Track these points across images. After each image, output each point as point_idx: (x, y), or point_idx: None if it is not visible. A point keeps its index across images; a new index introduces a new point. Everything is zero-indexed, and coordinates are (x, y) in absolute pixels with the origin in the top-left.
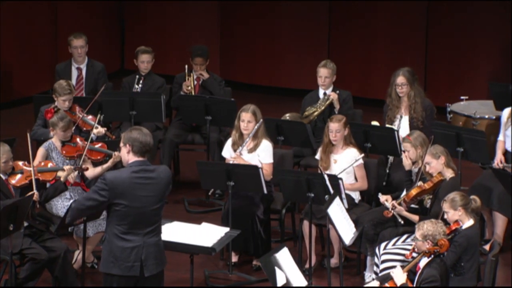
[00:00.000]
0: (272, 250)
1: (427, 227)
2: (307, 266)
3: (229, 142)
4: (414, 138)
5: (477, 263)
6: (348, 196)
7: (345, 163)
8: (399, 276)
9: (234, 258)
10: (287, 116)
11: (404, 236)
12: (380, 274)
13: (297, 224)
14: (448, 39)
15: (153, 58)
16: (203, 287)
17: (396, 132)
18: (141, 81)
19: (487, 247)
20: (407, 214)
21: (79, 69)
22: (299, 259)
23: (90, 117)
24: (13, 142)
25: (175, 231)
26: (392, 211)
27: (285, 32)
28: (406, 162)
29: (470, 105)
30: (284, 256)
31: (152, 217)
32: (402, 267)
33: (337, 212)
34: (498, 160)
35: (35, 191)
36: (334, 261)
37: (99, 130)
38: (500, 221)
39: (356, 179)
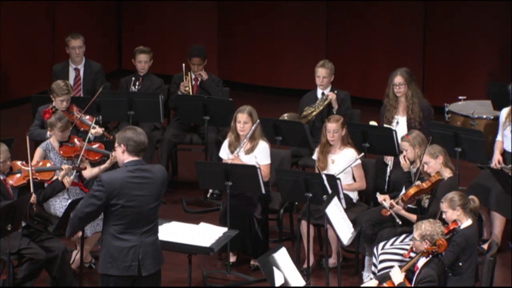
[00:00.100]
0: (270, 250)
1: (425, 227)
2: (305, 266)
3: (225, 143)
4: (413, 138)
5: (475, 263)
6: (346, 196)
7: (342, 163)
8: (397, 275)
9: (232, 258)
10: (285, 116)
11: (402, 236)
12: (378, 274)
13: (295, 224)
14: (446, 39)
15: (151, 58)
16: (201, 287)
17: (394, 132)
18: (137, 83)
19: (485, 246)
20: (405, 213)
21: (76, 70)
22: (297, 259)
23: (87, 117)
24: (11, 142)
25: (173, 231)
26: (390, 210)
27: (284, 32)
28: (405, 165)
29: (468, 105)
30: (282, 256)
31: (149, 216)
32: (400, 267)
33: (335, 212)
34: (496, 161)
35: (32, 193)
36: (332, 261)
37: (97, 130)
38: (498, 221)
39: (354, 179)
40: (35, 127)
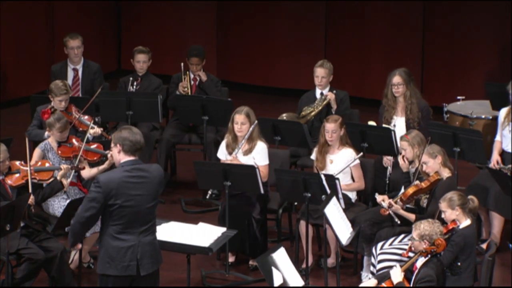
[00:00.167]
0: (269, 250)
1: (424, 227)
2: (304, 266)
3: (223, 144)
4: (412, 137)
5: (474, 263)
6: (344, 196)
7: (341, 163)
8: (396, 275)
9: (231, 258)
10: (284, 116)
11: (401, 236)
12: (377, 274)
13: (294, 224)
14: (444, 39)
15: (149, 58)
16: (200, 287)
17: (392, 132)
18: (135, 83)
19: (484, 246)
20: (403, 212)
21: (75, 70)
22: (296, 259)
23: (86, 117)
24: (9, 142)
25: (172, 231)
26: (389, 209)
27: (283, 32)
28: (404, 165)
29: (466, 105)
30: (281, 256)
31: (146, 215)
32: (400, 266)
33: (334, 212)
34: (495, 161)
35: (31, 194)
36: (331, 261)
37: (95, 130)
38: (496, 221)
39: (352, 179)
40: (33, 127)
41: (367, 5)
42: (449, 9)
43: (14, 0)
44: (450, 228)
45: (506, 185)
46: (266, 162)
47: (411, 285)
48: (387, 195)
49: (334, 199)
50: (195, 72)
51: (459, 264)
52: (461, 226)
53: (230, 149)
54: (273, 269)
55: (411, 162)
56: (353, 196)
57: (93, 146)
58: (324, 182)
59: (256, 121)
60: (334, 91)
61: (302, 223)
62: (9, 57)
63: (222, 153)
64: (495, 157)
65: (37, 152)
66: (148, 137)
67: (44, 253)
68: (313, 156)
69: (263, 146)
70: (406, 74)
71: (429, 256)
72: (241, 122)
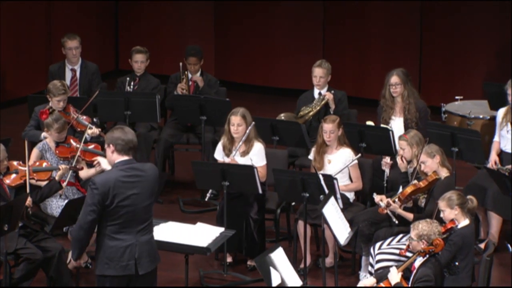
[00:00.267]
0: (267, 250)
1: (422, 226)
2: (302, 266)
3: (220, 146)
4: (410, 137)
5: (472, 263)
6: (343, 196)
7: (339, 163)
8: (394, 275)
9: (229, 258)
10: (282, 116)
11: (399, 236)
12: (376, 273)
13: (292, 224)
14: (442, 39)
15: (147, 58)
16: (198, 287)
17: (391, 132)
18: (132, 83)
19: (482, 246)
20: (401, 211)
21: (73, 71)
22: (294, 259)
23: (84, 117)
24: (8, 142)
25: (170, 231)
26: (387, 208)
27: (281, 32)
28: (402, 165)
29: (464, 105)
30: (279, 256)
31: (143, 214)
32: (397, 267)
33: (332, 212)
34: (493, 161)
35: (28, 194)
36: (329, 260)
37: (93, 130)
38: (494, 221)
39: (350, 179)
40: (30, 127)
41: (366, 5)
42: (447, 9)
43: (13, 0)
44: (448, 228)
45: (504, 185)
46: (264, 162)
47: (409, 285)
48: (385, 195)
49: (332, 199)
50: (193, 73)
51: (457, 263)
52: (460, 226)
53: (227, 151)
54: (271, 269)
55: (409, 162)
56: (351, 196)
57: (91, 147)
58: (322, 182)
59: (253, 123)
60: (332, 91)
61: (300, 223)
62: (8, 57)
63: (219, 154)
64: (493, 157)
65: (35, 152)
66: (146, 137)
67: (42, 253)
68: (311, 156)
69: (260, 146)
70: (404, 74)
71: (427, 256)
72: (237, 123)
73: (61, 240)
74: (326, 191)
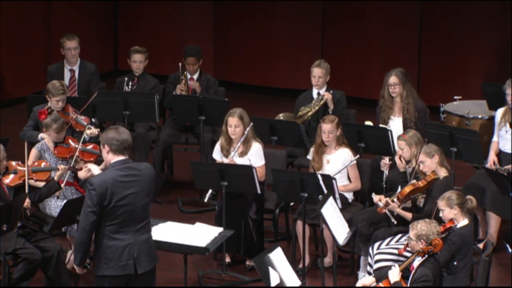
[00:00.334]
0: (265, 250)
1: (421, 226)
2: (300, 266)
3: (217, 146)
4: (409, 137)
5: (470, 263)
6: (341, 196)
7: (337, 163)
8: (394, 274)
9: (228, 258)
10: (281, 116)
11: (398, 236)
12: (375, 272)
13: (290, 224)
14: (441, 39)
15: (146, 58)
16: (197, 287)
17: (389, 132)
18: (130, 83)
19: (480, 246)
20: (400, 211)
21: (71, 71)
22: (293, 259)
23: (83, 117)
24: (6, 142)
25: (168, 231)
26: (385, 208)
27: (279, 32)
28: (401, 165)
29: (463, 105)
30: (277, 256)
31: (141, 213)
32: (398, 266)
33: (331, 212)
34: (491, 162)
35: (27, 194)
36: (327, 260)
37: (92, 131)
38: (493, 221)
39: (349, 179)
40: (28, 127)
41: (365, 5)
42: (446, 9)
43: (13, 1)
44: (447, 227)
45: (503, 185)
46: (262, 162)
47: (408, 285)
48: (384, 195)
49: (331, 199)
50: (192, 74)
51: (455, 263)
52: (459, 226)
53: (225, 152)
54: (270, 269)
55: (408, 162)
56: (349, 196)
57: (90, 147)
58: (321, 182)
59: (251, 123)
60: (331, 91)
61: (299, 223)
62: (7, 57)
63: (217, 154)
64: (492, 157)
65: (33, 152)
66: (145, 137)
67: (41, 253)
68: (309, 156)
69: (258, 146)
70: (403, 74)
71: (426, 256)
72: (234, 125)
73: (60, 240)
74: (325, 191)
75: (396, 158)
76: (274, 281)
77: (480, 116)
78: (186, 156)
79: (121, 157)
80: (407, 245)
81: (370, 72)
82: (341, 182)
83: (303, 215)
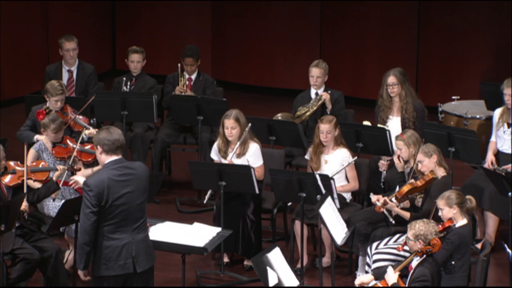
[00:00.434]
0: (263, 250)
1: (419, 226)
2: (298, 266)
3: (215, 147)
4: (407, 137)
5: (468, 263)
6: (339, 196)
7: (336, 163)
8: (391, 276)
9: (226, 258)
10: (279, 116)
11: (396, 236)
12: (374, 270)
13: (288, 224)
14: (439, 39)
15: (144, 58)
16: (195, 287)
17: (387, 132)
18: (129, 83)
19: (478, 246)
20: (398, 210)
21: (70, 71)
22: (291, 259)
23: (81, 118)
24: (4, 142)
25: (167, 231)
26: (384, 207)
27: (277, 32)
28: (399, 164)
29: (461, 105)
30: (276, 256)
31: (137, 212)
32: (394, 267)
33: (329, 212)
34: (489, 162)
35: (25, 194)
36: (326, 260)
37: (91, 131)
38: (491, 221)
39: (347, 179)
40: (25, 127)
41: (362, 5)
42: (444, 9)
43: (10, 0)
44: (446, 226)
45: (501, 185)
46: (261, 162)
47: (406, 285)
48: (382, 195)
49: (329, 199)
50: (190, 74)
51: (453, 263)
52: (457, 225)
53: (222, 153)
54: (268, 269)
55: (406, 162)
56: (348, 196)
57: (88, 147)
58: (319, 182)
59: (249, 125)
60: (329, 91)
61: (297, 223)
62: (5, 57)
63: (215, 154)
64: (490, 157)
65: (31, 153)
66: (143, 137)
67: (39, 253)
68: (307, 156)
69: (256, 147)
70: (401, 74)
71: (424, 256)
72: (231, 127)
73: (58, 240)
74: (323, 191)
75: (395, 158)
76: (272, 281)
77: (478, 116)
78: (184, 156)
79: (114, 157)
80: (405, 243)
81: (368, 72)
82: (339, 182)
83: (301, 215)
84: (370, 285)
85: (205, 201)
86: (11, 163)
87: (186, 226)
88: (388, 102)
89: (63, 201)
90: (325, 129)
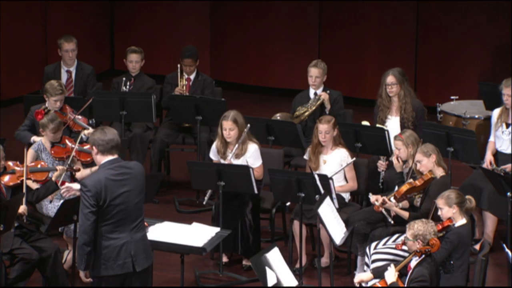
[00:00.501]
0: (262, 250)
1: (417, 226)
2: (297, 266)
3: (214, 147)
4: (406, 137)
5: (467, 263)
6: (338, 195)
7: (334, 163)
8: (390, 275)
9: (225, 258)
10: (278, 116)
11: (395, 236)
12: (373, 268)
13: (287, 223)
14: (438, 39)
15: (142, 58)
16: (194, 287)
17: (386, 132)
18: (128, 83)
19: (477, 246)
20: (397, 209)
21: (68, 72)
22: (290, 259)
23: (80, 118)
24: (2, 142)
25: (165, 231)
26: (382, 206)
27: (276, 32)
28: (398, 165)
29: (460, 105)
30: (274, 256)
31: (135, 211)
32: (394, 266)
33: (328, 211)
34: (488, 162)
35: (24, 196)
36: (324, 260)
37: (90, 131)
38: (490, 221)
39: (345, 179)
40: (24, 127)
41: (361, 5)
42: (443, 8)
43: (9, 0)
44: (445, 226)
45: (500, 185)
46: (260, 162)
47: (405, 285)
48: (381, 195)
49: (327, 199)
50: (189, 74)
51: (452, 262)
52: (457, 225)
53: (221, 154)
54: (267, 269)
55: (405, 162)
56: (346, 196)
57: (86, 147)
58: (318, 182)
59: (248, 126)
60: (328, 91)
61: (296, 223)
62: (4, 57)
63: (214, 155)
64: (488, 157)
65: (30, 153)
66: (142, 137)
67: (38, 253)
68: (306, 156)
69: (255, 147)
70: (400, 74)
71: (423, 256)
72: (229, 128)
73: (57, 240)
74: (322, 191)
75: (393, 158)
76: (271, 281)
77: (476, 116)
78: (183, 156)
79: (110, 157)
80: (404, 243)
81: (367, 72)
82: (337, 182)
83: (300, 215)
84: (370, 284)
85: (204, 202)
86: (10, 163)
87: (185, 226)
88: (387, 102)
89: (61, 201)
90: (324, 129)
